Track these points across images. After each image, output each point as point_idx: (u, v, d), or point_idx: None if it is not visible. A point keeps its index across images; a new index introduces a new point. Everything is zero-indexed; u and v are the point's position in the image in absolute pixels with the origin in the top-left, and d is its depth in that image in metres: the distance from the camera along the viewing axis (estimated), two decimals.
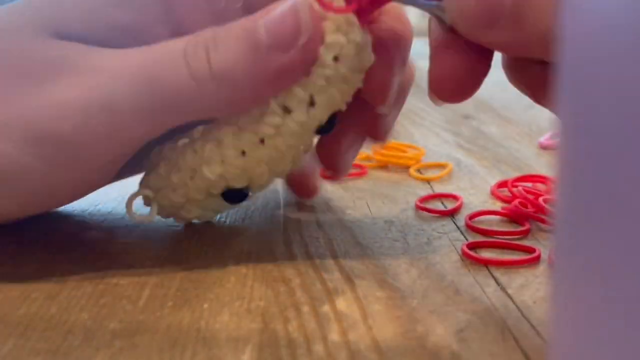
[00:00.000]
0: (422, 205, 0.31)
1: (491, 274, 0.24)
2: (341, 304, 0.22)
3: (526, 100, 0.24)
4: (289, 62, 0.22)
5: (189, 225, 0.29)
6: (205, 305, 0.22)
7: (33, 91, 0.22)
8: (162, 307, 0.22)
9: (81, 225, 0.29)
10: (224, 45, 0.22)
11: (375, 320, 0.21)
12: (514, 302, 0.22)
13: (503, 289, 0.23)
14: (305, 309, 0.21)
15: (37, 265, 0.25)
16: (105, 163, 0.24)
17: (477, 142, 0.43)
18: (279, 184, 0.35)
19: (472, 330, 0.20)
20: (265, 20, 0.22)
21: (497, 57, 0.23)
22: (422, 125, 0.48)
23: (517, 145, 0.43)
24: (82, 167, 0.23)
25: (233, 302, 0.22)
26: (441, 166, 0.37)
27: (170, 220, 0.29)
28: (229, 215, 0.30)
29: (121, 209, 0.31)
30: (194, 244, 0.27)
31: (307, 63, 0.23)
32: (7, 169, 0.22)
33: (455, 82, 0.23)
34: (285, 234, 0.28)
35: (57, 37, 0.23)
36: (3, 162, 0.22)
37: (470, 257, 0.25)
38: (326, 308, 0.21)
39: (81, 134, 0.22)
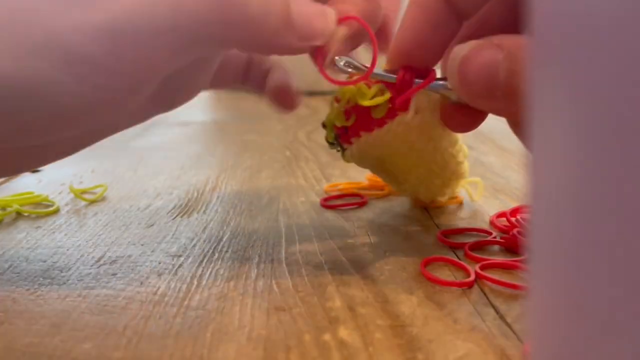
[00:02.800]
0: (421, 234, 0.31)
1: (490, 302, 0.24)
2: (342, 332, 0.22)
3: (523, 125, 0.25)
4: (294, 47, 0.25)
5: (191, 254, 0.29)
6: (208, 334, 0.22)
7: (67, 15, 0.22)
8: (165, 336, 0.22)
9: (84, 255, 0.29)
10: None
11: (376, 348, 0.21)
12: (512, 331, 0.22)
13: (502, 318, 0.23)
14: (307, 337, 0.22)
15: (41, 295, 0.25)
16: (133, 88, 0.24)
17: (476, 172, 0.44)
18: (280, 215, 0.35)
19: (472, 358, 0.20)
20: (296, 6, 0.25)
21: None
22: None
23: (516, 175, 0.43)
24: (114, 90, 0.23)
25: (235, 331, 0.22)
26: None
27: (173, 250, 0.30)
28: (231, 244, 0.30)
29: (124, 238, 0.31)
30: (196, 273, 0.27)
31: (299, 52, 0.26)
32: (46, 88, 0.22)
33: (465, 126, 0.28)
34: (287, 263, 0.28)
35: None
36: (43, 82, 0.22)
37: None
38: (327, 336, 0.22)
39: (110, 57, 0.22)
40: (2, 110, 0.22)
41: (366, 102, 0.27)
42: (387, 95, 0.28)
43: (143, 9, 0.23)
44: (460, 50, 0.23)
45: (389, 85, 0.28)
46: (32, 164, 0.29)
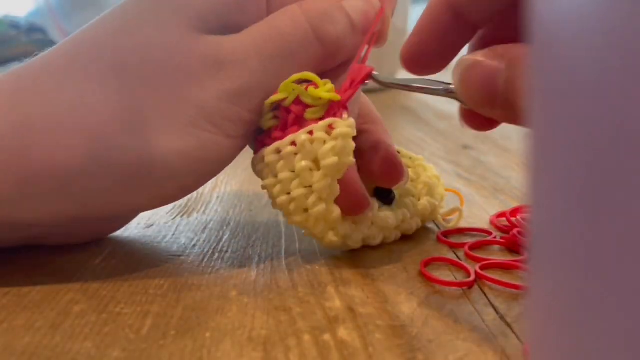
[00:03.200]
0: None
1: (490, 302, 0.24)
2: (342, 332, 0.22)
3: (524, 130, 0.25)
4: (360, 42, 0.28)
5: (191, 254, 0.29)
6: (207, 334, 0.22)
7: (205, 88, 0.26)
8: (165, 335, 0.22)
9: (85, 255, 0.29)
10: (336, 19, 0.28)
11: (376, 349, 0.21)
12: (513, 331, 0.22)
13: (502, 318, 0.23)
14: (307, 337, 0.22)
15: (41, 294, 0.25)
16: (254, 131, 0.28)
17: (476, 172, 0.44)
18: (280, 215, 0.35)
19: (472, 358, 0.20)
20: (350, 6, 0.28)
21: None
22: (422, 155, 0.49)
23: (516, 175, 0.43)
24: (250, 135, 0.28)
25: (235, 330, 0.22)
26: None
27: (173, 250, 0.30)
28: (231, 244, 0.30)
29: (124, 238, 0.31)
30: (196, 273, 0.27)
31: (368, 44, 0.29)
32: (206, 149, 0.26)
33: (485, 126, 0.28)
34: (287, 263, 0.28)
35: (197, 31, 0.26)
36: (203, 146, 0.26)
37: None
38: (327, 337, 0.22)
39: (251, 113, 0.27)
40: (178, 175, 0.26)
41: (313, 92, 0.27)
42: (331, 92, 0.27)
43: (264, 68, 0.26)
44: (464, 61, 0.24)
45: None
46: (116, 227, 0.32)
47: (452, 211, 0.34)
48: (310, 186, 0.27)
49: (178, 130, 0.25)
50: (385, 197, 0.31)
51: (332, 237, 0.28)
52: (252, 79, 0.26)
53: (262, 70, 0.26)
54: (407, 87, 0.28)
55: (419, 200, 0.31)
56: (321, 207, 0.27)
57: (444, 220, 0.33)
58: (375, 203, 0.29)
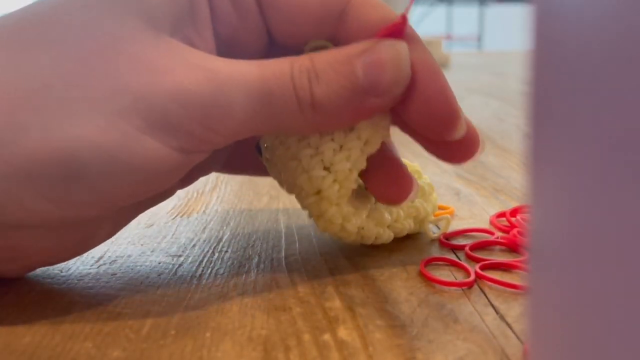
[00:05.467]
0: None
1: (490, 302, 0.24)
2: (342, 332, 0.22)
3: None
4: (381, 105, 0.24)
5: (191, 254, 0.29)
6: (208, 334, 0.22)
7: (155, 80, 0.21)
8: (165, 335, 0.22)
9: (85, 255, 0.29)
10: (324, 78, 0.23)
11: (376, 349, 0.21)
12: (512, 331, 0.22)
13: (502, 318, 0.23)
14: (306, 337, 0.22)
15: (41, 294, 0.25)
16: (210, 152, 0.24)
17: (476, 171, 0.44)
18: (280, 215, 0.35)
19: (472, 358, 0.20)
20: (364, 62, 0.23)
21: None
22: (422, 155, 0.49)
23: (516, 174, 0.43)
24: (194, 154, 0.23)
25: (235, 330, 0.22)
26: (443, 208, 0.38)
27: (173, 250, 0.30)
28: (231, 244, 0.30)
29: (124, 238, 0.31)
30: (196, 273, 0.27)
31: (394, 102, 0.25)
32: (133, 152, 0.21)
33: None
34: (287, 263, 0.28)
35: (171, 36, 0.23)
36: (130, 145, 0.21)
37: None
38: (327, 336, 0.22)
39: (199, 125, 0.22)
40: (88, 175, 0.21)
41: None
42: None
43: (236, 80, 0.22)
44: None
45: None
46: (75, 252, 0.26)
47: (440, 220, 0.33)
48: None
49: (99, 119, 0.21)
50: None
51: (335, 213, 0.27)
52: (214, 92, 0.22)
53: (233, 84, 0.22)
54: None
55: (412, 202, 0.31)
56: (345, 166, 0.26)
57: (434, 226, 0.33)
58: (371, 196, 0.29)
